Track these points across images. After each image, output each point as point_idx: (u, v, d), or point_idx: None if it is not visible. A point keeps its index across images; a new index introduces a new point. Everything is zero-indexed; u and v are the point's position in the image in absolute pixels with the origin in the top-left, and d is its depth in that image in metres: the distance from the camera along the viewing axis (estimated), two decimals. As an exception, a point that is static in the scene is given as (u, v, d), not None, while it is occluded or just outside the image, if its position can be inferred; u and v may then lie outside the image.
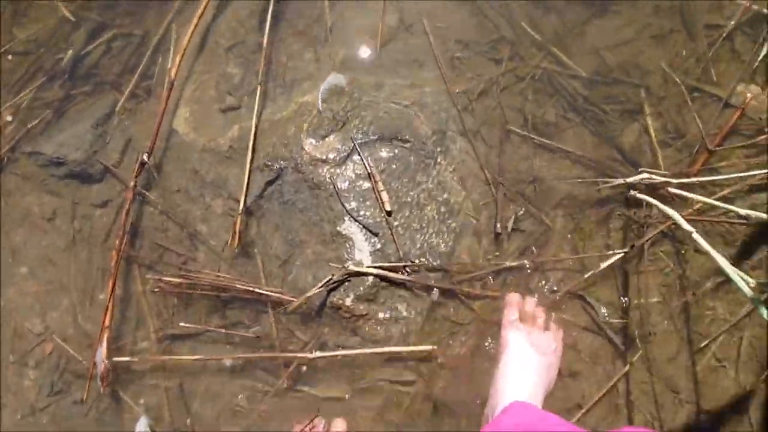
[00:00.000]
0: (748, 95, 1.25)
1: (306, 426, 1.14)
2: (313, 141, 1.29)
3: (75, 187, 1.37)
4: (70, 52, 1.39)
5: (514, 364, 1.09)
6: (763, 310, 0.87)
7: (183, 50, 1.30)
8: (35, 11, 1.41)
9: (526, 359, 1.10)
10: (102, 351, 1.23)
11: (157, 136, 1.27)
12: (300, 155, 1.29)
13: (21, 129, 1.36)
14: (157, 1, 1.41)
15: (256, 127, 1.29)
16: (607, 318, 1.21)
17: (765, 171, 1.16)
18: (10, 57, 1.41)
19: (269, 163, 1.30)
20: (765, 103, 1.26)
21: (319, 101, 1.30)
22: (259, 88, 1.32)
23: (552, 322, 1.20)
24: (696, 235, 1.04)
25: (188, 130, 1.34)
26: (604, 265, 1.22)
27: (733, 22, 1.29)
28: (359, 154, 1.26)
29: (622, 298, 1.22)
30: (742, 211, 1.05)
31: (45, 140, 1.37)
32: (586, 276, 1.22)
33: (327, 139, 1.29)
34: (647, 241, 1.23)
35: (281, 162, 1.30)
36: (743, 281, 0.92)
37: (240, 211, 1.26)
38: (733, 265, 1.02)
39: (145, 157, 1.30)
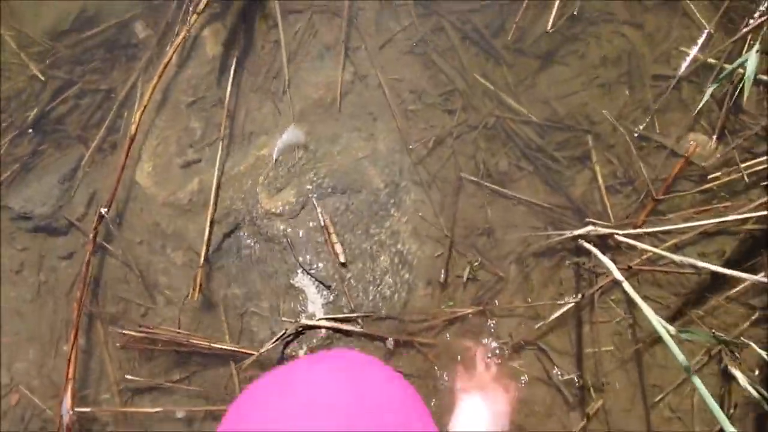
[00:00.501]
0: (692, 143, 1.27)
1: None
2: (268, 194, 1.32)
3: (42, 240, 1.41)
4: (36, 109, 1.43)
5: (465, 423, 1.10)
6: (696, 380, 0.88)
7: (144, 107, 1.34)
8: (7, 70, 1.46)
9: (477, 417, 1.11)
10: (67, 402, 1.25)
11: (119, 189, 1.32)
12: (255, 208, 1.32)
13: (-9, 183, 1.41)
14: (125, 57, 1.45)
15: (218, 181, 1.33)
16: (560, 370, 1.21)
17: (709, 222, 1.17)
18: (-19, 114, 1.45)
19: (227, 216, 1.33)
20: (710, 151, 1.28)
21: (275, 154, 1.33)
22: (221, 143, 1.36)
23: (503, 374, 1.21)
24: (626, 285, 1.05)
25: (150, 184, 1.38)
26: (554, 315, 1.23)
27: (679, 73, 1.31)
28: (313, 207, 1.29)
29: (575, 347, 1.23)
30: (677, 258, 1.06)
31: (13, 195, 1.41)
32: (537, 326, 1.23)
33: (282, 192, 1.32)
34: (597, 290, 1.24)
35: (238, 215, 1.33)
36: (665, 330, 0.93)
37: (201, 264, 1.29)
38: (682, 312, 1.02)
39: (103, 210, 1.34)
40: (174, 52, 1.37)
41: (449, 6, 1.40)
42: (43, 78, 1.45)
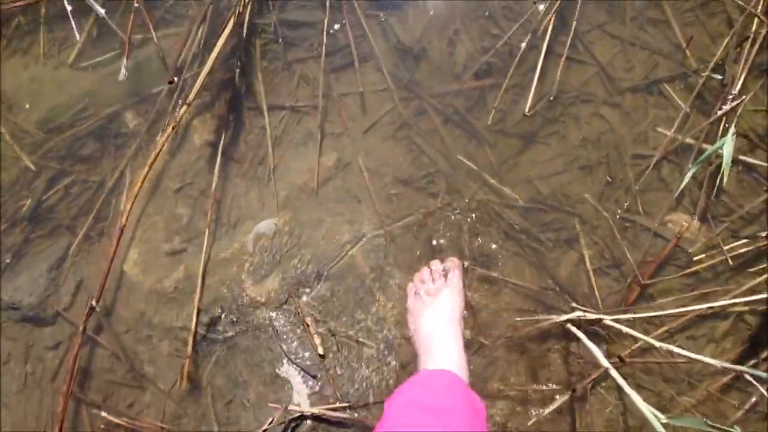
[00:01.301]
0: (679, 227, 1.27)
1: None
2: (253, 282, 1.32)
3: (29, 330, 1.41)
4: (30, 200, 1.46)
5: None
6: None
7: (134, 198, 1.36)
8: (5, 162, 1.49)
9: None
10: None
11: (107, 280, 1.31)
12: (241, 297, 1.32)
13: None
14: (114, 147, 1.48)
15: (204, 269, 1.34)
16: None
17: (697, 308, 1.16)
18: (-26, 205, 1.48)
19: (213, 303, 1.33)
20: (694, 233, 1.28)
21: (250, 246, 1.35)
22: (206, 230, 1.37)
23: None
24: (614, 373, 1.04)
25: (136, 272, 1.39)
26: (548, 410, 1.22)
27: (657, 155, 1.32)
28: (296, 297, 1.29)
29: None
30: (665, 347, 1.04)
31: (4, 285, 1.42)
32: (531, 421, 1.21)
33: (266, 279, 1.33)
34: (590, 382, 1.22)
35: (224, 303, 1.33)
36: (655, 419, 0.92)
37: (188, 354, 1.29)
38: (675, 400, 0.99)
39: (93, 302, 1.34)
40: (164, 144, 1.40)
41: (431, 90, 1.44)
42: (35, 169, 1.49)
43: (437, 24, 1.49)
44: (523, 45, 1.41)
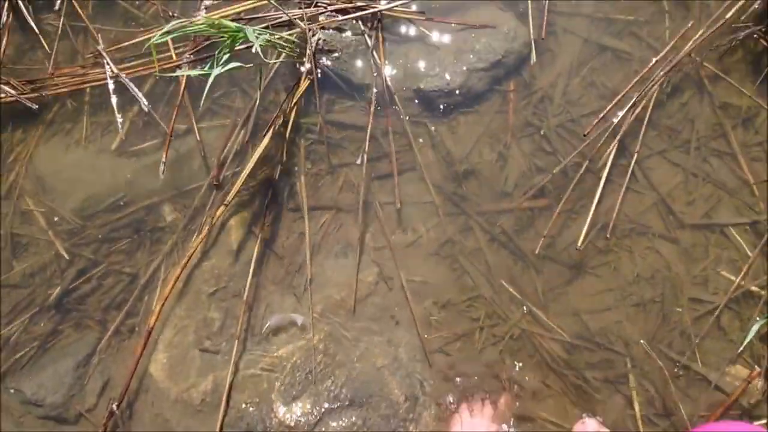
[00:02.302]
0: (740, 381, 1.20)
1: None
2: (284, 402, 1.28)
3: (50, 428, 1.37)
4: (60, 288, 1.44)
5: None
6: None
7: (164, 300, 1.33)
8: (34, 246, 1.49)
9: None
10: None
11: (132, 380, 1.32)
12: (269, 417, 1.29)
13: (8, 360, 1.41)
14: (150, 241, 1.46)
15: (231, 384, 1.30)
16: None
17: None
18: (6, 288, 1.46)
19: (239, 420, 1.29)
20: (754, 389, 1.20)
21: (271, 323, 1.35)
22: (236, 342, 1.33)
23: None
24: None
25: (163, 377, 1.36)
26: None
27: (721, 302, 1.25)
28: (327, 422, 1.24)
29: None
30: None
31: (27, 377, 1.40)
32: None
33: (297, 401, 1.28)
34: None
35: (251, 421, 1.29)
36: None
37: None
38: None
39: (114, 406, 1.32)
40: (198, 246, 1.37)
41: (478, 207, 1.39)
42: (68, 257, 1.46)
43: (489, 137, 1.44)
44: (581, 171, 1.35)
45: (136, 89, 1.51)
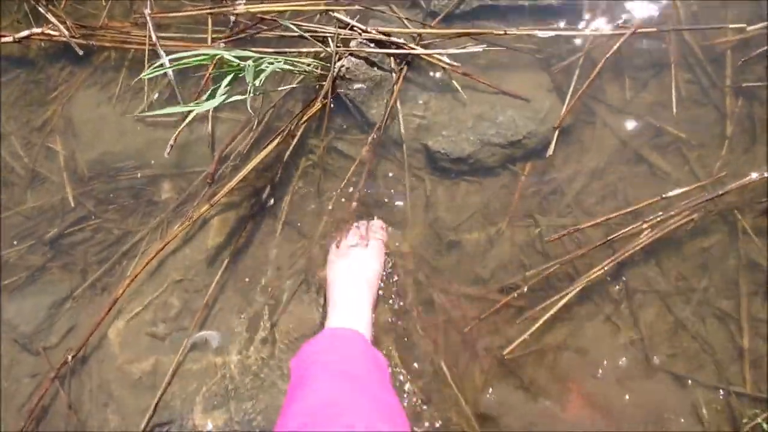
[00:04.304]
0: None
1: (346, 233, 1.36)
2: (204, 408, 1.33)
3: (17, 350, 1.52)
4: (57, 229, 1.54)
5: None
6: None
7: (132, 279, 1.40)
8: (48, 185, 1.59)
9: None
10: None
11: (92, 336, 1.43)
12: (188, 417, 1.35)
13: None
14: (142, 211, 1.54)
15: (173, 374, 1.38)
16: None
17: None
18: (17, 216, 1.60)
19: (164, 408, 1.37)
20: None
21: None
22: (186, 340, 1.39)
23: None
24: None
25: (116, 342, 1.46)
26: None
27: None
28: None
29: None
30: None
31: (11, 300, 1.54)
32: None
33: (215, 411, 1.33)
34: None
35: (173, 413, 1.36)
36: None
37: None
38: None
39: (70, 357, 1.42)
40: (177, 236, 1.41)
41: (449, 284, 1.35)
42: (73, 204, 1.55)
43: (484, 215, 1.36)
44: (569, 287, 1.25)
45: (167, 62, 1.53)
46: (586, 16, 1.38)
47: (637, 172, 1.31)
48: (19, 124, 1.69)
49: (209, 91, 1.20)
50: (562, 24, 1.37)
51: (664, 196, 1.21)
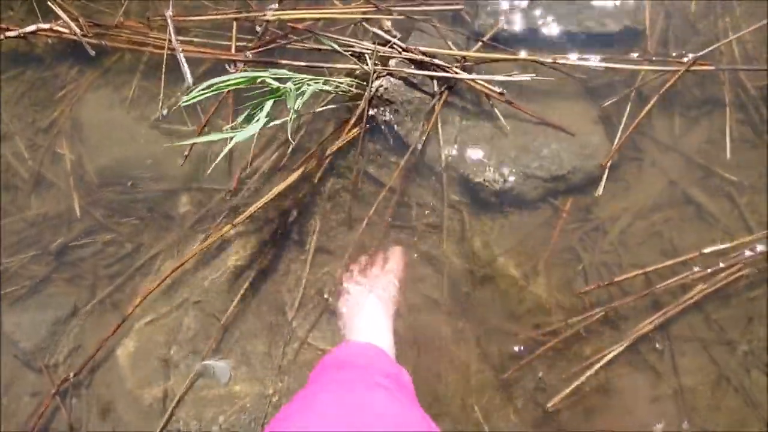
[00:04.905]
0: None
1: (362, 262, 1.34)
2: (219, 437, 1.27)
3: (18, 366, 1.43)
4: (63, 239, 1.46)
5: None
6: None
7: (146, 295, 1.33)
8: (55, 191, 1.50)
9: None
10: None
11: (97, 354, 1.37)
12: (202, 444, 1.28)
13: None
14: (159, 225, 1.46)
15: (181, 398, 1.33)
16: None
17: None
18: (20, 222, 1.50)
19: (176, 436, 1.30)
20: None
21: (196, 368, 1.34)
22: (201, 361, 1.32)
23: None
24: None
25: (126, 364, 1.39)
26: None
27: None
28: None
29: None
30: None
31: (11, 314, 1.46)
32: None
33: (232, 441, 1.27)
34: None
35: (185, 441, 1.29)
36: None
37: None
38: None
39: (71, 375, 1.35)
40: (194, 255, 1.34)
41: (482, 318, 1.29)
42: (78, 214, 1.46)
43: (521, 251, 1.30)
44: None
45: (187, 70, 1.43)
46: (638, 47, 1.31)
47: (684, 214, 1.26)
48: (23, 123, 1.58)
49: (245, 114, 1.11)
50: (612, 53, 1.31)
51: (711, 249, 1.17)
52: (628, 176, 1.29)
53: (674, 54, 1.30)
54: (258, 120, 1.07)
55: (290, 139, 1.09)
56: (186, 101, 1.06)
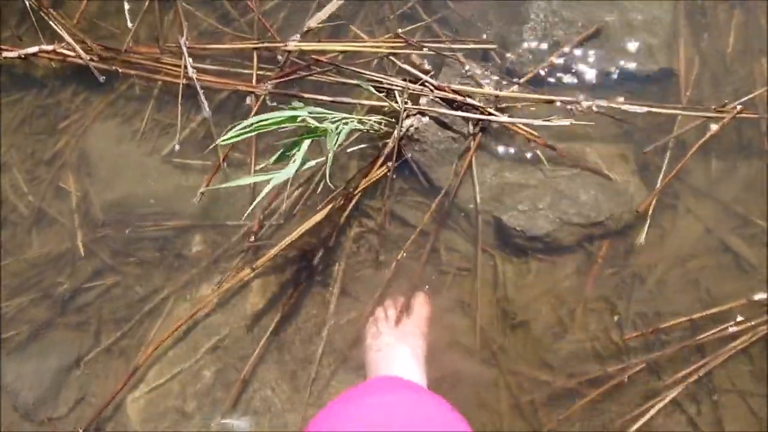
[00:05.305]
0: None
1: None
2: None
3: (16, 420, 1.34)
4: (68, 284, 1.37)
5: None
6: None
7: (157, 345, 1.25)
8: (57, 228, 1.42)
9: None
10: None
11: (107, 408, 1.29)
12: None
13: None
14: (170, 266, 1.38)
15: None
16: None
17: None
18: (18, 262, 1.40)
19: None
20: None
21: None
22: (218, 419, 1.25)
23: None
24: None
25: (137, 419, 1.30)
26: None
27: None
28: None
29: None
30: None
31: (10, 363, 1.36)
32: None
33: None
34: None
35: (204, 503, 1.21)
36: None
37: None
38: None
39: (80, 430, 1.26)
40: (211, 299, 1.27)
41: (515, 365, 1.26)
42: (83, 254, 1.38)
43: (556, 296, 1.26)
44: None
45: (205, 101, 1.37)
46: (674, 89, 1.29)
47: (721, 262, 1.24)
48: (23, 155, 1.48)
49: (278, 154, 1.05)
50: (648, 94, 1.29)
51: (759, 297, 1.15)
52: (664, 222, 1.26)
53: (711, 97, 1.28)
54: (295, 161, 1.01)
55: (329, 184, 1.03)
56: (225, 141, 0.99)
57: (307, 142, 1.02)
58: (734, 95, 1.27)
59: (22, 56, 1.46)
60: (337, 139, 1.05)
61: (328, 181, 1.03)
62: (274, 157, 1.04)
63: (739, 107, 1.21)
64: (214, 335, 1.34)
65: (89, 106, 1.47)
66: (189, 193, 1.39)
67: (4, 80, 1.51)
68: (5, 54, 1.46)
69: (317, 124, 1.02)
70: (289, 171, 0.99)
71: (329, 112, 1.11)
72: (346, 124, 1.10)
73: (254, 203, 1.10)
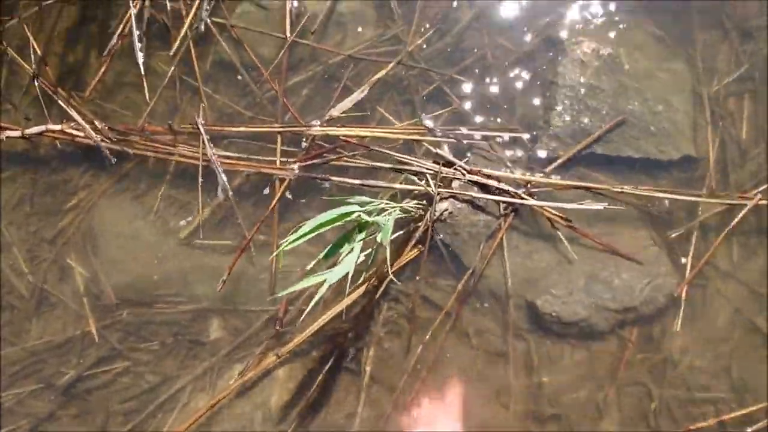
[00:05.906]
0: None
1: None
2: None
3: None
4: (74, 371, 1.27)
5: None
6: None
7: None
8: (60, 312, 1.33)
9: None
10: None
11: None
12: None
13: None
14: (185, 352, 1.31)
15: None
16: None
17: None
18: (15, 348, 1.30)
19: None
20: None
21: None
22: None
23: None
24: None
25: None
26: None
27: None
28: None
29: None
30: None
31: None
32: None
33: None
34: None
35: None
36: None
37: None
38: None
39: None
40: (232, 390, 1.20)
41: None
42: (96, 339, 1.29)
43: (590, 380, 1.25)
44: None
45: (227, 184, 1.32)
46: (695, 174, 1.33)
47: (751, 344, 1.26)
48: (24, 233, 1.40)
49: (326, 250, 1.02)
50: (671, 178, 1.32)
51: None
52: (694, 304, 1.28)
53: (731, 183, 1.32)
54: (350, 255, 0.98)
55: (393, 278, 1.00)
56: (287, 245, 0.95)
57: (360, 235, 0.99)
58: (752, 177, 1.32)
59: (27, 136, 1.37)
60: (390, 232, 1.03)
61: (390, 275, 1.01)
62: (322, 254, 1.01)
63: (759, 195, 1.25)
64: (237, 426, 1.26)
65: (96, 181, 1.40)
66: (206, 275, 1.33)
67: (4, 156, 1.42)
68: (7, 134, 1.38)
69: (368, 219, 1.00)
70: (343, 268, 0.97)
71: (371, 199, 1.10)
72: (390, 214, 1.08)
73: (285, 291, 1.06)
